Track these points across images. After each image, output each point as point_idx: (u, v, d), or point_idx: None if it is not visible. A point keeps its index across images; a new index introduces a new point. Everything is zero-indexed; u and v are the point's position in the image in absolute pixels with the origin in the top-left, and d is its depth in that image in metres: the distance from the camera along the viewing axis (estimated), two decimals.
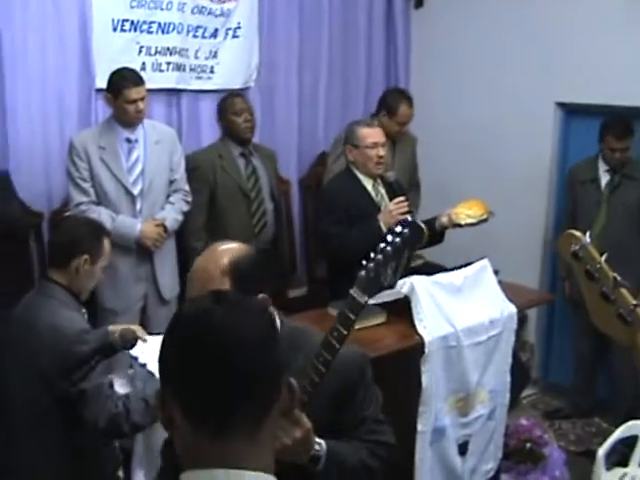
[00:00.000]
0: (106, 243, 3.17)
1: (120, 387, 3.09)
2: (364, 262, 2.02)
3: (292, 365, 1.79)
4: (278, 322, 2.10)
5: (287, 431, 1.84)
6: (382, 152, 4.26)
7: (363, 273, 2.01)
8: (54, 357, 2.84)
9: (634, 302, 1.88)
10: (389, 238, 1.99)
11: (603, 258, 1.93)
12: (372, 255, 2.01)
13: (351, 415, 2.14)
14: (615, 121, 4.75)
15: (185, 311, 1.36)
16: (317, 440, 1.97)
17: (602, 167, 4.86)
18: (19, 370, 2.96)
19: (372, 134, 4.27)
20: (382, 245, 2.00)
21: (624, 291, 1.90)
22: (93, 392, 2.81)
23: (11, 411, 3.01)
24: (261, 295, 2.03)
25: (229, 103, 4.86)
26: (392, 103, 5.25)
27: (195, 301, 1.39)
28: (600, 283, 1.90)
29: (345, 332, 2.01)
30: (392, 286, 1.99)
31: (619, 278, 1.90)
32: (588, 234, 1.98)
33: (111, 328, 3.20)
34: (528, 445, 3.97)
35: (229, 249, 2.13)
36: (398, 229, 1.99)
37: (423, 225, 1.95)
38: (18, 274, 4.49)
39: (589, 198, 4.89)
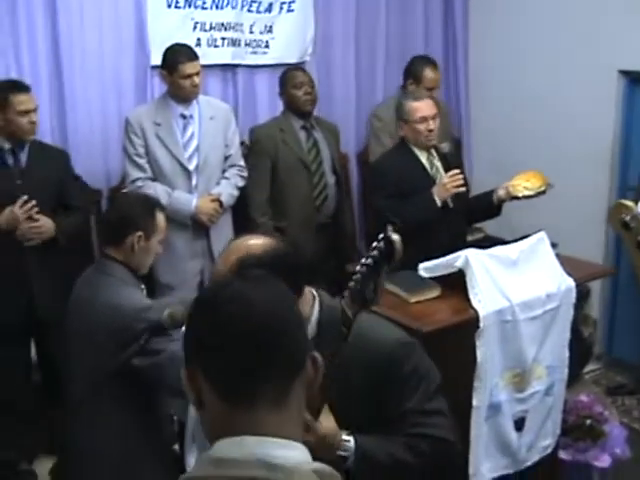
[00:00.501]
0: (160, 217, 3.17)
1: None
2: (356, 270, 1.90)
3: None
4: (317, 306, 2.10)
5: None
6: (432, 125, 4.20)
7: (352, 284, 1.90)
8: (111, 333, 2.86)
9: None
10: (368, 253, 1.89)
11: None
12: (357, 268, 1.90)
13: (389, 409, 2.07)
14: None
15: (206, 289, 1.40)
16: (345, 438, 1.97)
17: None
18: (78, 345, 3.00)
19: (421, 108, 4.20)
20: (362, 261, 1.89)
21: None
22: (170, 358, 2.77)
23: (73, 381, 3.07)
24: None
25: (289, 76, 4.86)
26: (416, 70, 5.24)
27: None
28: None
29: (342, 341, 1.91)
30: (373, 303, 1.90)
31: None
32: None
33: (169, 301, 3.23)
34: (588, 422, 3.88)
35: (244, 246, 2.06)
36: (376, 243, 1.89)
37: (397, 237, 1.86)
38: (79, 251, 4.55)
39: None
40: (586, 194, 5.35)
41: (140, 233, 3.05)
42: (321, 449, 1.85)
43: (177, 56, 4.27)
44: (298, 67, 5.11)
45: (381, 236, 1.87)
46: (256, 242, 2.07)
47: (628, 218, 1.84)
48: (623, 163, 5.34)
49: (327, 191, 4.86)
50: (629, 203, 1.87)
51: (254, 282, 1.37)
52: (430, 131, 4.19)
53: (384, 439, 2.06)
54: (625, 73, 5.24)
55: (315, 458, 1.74)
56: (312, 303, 2.14)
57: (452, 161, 4.39)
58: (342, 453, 1.97)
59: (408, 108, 4.22)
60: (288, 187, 4.77)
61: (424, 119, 4.17)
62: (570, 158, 5.40)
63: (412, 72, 5.26)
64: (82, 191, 4.43)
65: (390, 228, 1.87)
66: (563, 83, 5.50)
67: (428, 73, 5.21)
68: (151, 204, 3.21)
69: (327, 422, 1.92)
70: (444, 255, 3.59)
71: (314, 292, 2.18)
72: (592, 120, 5.32)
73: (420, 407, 2.11)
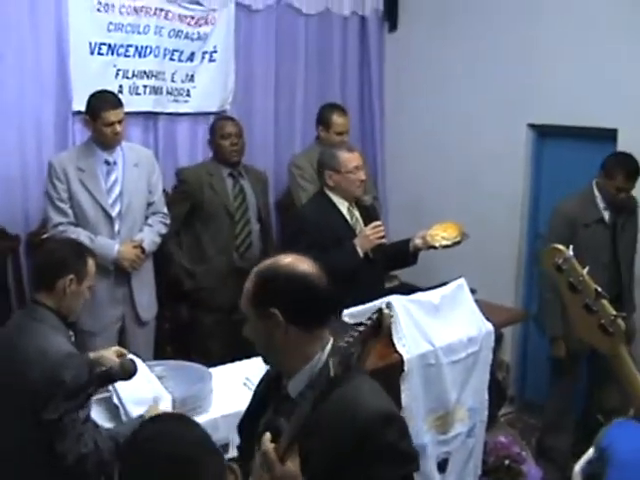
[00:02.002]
0: (90, 263, 3.14)
1: (99, 418, 3.08)
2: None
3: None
4: (324, 355, 2.05)
5: (260, 473, 1.89)
6: (363, 176, 4.28)
7: (343, 344, 1.87)
8: (42, 381, 2.81)
9: (614, 313, 1.94)
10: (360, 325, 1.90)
11: (585, 270, 1.99)
12: (349, 332, 1.88)
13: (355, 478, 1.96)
14: (627, 159, 4.46)
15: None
16: None
17: (600, 204, 4.54)
18: (3, 394, 2.93)
19: (353, 159, 4.26)
20: (355, 328, 1.88)
21: (605, 302, 1.96)
22: (68, 425, 2.76)
23: None
24: (272, 310, 2.02)
25: (218, 126, 4.93)
26: (325, 116, 5.35)
27: None
28: (583, 295, 1.96)
29: (319, 395, 1.85)
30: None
31: (600, 289, 1.96)
32: (571, 248, 2.03)
33: (92, 355, 3.20)
34: (507, 462, 4.00)
35: (279, 261, 2.15)
36: (369, 317, 1.91)
37: (386, 315, 1.90)
38: None
39: (596, 240, 4.50)
40: (498, 241, 5.55)
41: (72, 276, 3.00)
42: None
43: (101, 103, 4.26)
44: (228, 117, 5.17)
45: (373, 315, 1.89)
46: (287, 260, 2.13)
47: (561, 261, 1.95)
48: (533, 211, 5.57)
49: (251, 238, 4.90)
50: (561, 247, 1.98)
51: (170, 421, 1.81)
52: (362, 181, 4.26)
53: None
54: (533, 127, 5.48)
55: None
56: (318, 351, 2.07)
57: (372, 213, 4.47)
58: None
59: (342, 159, 4.24)
60: (209, 232, 4.81)
61: (357, 169, 4.24)
62: (483, 205, 5.60)
63: (321, 119, 5.38)
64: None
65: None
66: (476, 134, 5.73)
67: (336, 119, 5.32)
68: (82, 248, 3.18)
69: (292, 465, 1.88)
70: (365, 302, 3.67)
71: (330, 343, 2.10)
72: (504, 171, 5.55)
73: None
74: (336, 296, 2.15)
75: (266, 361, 2.18)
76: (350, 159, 4.25)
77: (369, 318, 1.87)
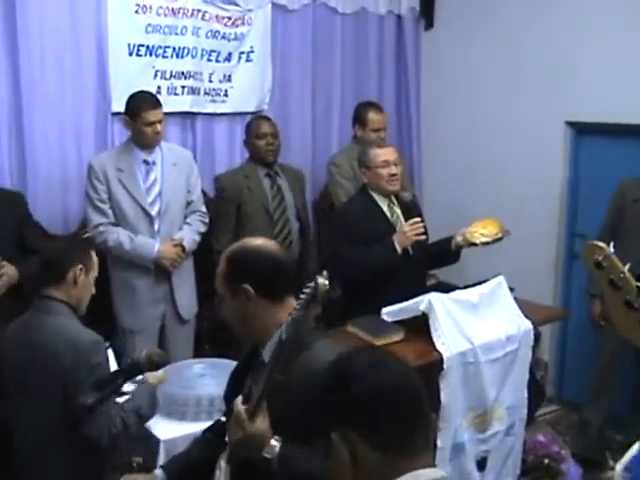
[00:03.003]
0: (93, 254, 3.20)
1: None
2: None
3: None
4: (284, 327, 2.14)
5: (234, 431, 2.13)
6: (395, 170, 4.27)
7: (293, 312, 2.04)
8: (75, 368, 2.87)
9: None
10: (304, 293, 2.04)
11: (627, 267, 1.98)
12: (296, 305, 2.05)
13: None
14: None
15: (343, 360, 1.68)
16: (273, 443, 2.13)
17: None
18: (38, 390, 2.97)
19: (383, 153, 4.29)
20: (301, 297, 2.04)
21: None
22: (102, 410, 2.82)
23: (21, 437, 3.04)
24: (244, 286, 2.26)
25: (254, 126, 4.96)
26: (360, 114, 5.36)
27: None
28: (624, 292, 1.94)
29: (278, 356, 2.05)
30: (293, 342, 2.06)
31: None
32: (612, 245, 2.02)
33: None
34: (546, 461, 3.98)
35: (246, 242, 2.42)
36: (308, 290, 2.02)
37: (322, 281, 1.99)
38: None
39: (637, 216, 4.62)
40: (536, 240, 5.51)
41: (81, 266, 3.07)
42: (248, 447, 2.13)
43: (140, 103, 4.32)
44: (264, 117, 5.20)
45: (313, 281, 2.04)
46: (254, 241, 2.42)
47: (601, 258, 1.94)
48: (571, 210, 5.53)
49: (291, 237, 4.93)
50: (601, 244, 1.97)
51: (386, 356, 1.70)
52: (392, 175, 4.25)
53: (310, 451, 2.10)
54: (571, 124, 5.44)
55: (240, 455, 2.13)
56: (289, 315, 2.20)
57: (413, 209, 4.47)
58: (266, 455, 2.13)
59: (371, 154, 4.29)
60: (251, 233, 4.80)
61: (386, 163, 4.24)
62: (521, 205, 5.56)
63: (357, 117, 5.39)
64: (41, 234, 4.43)
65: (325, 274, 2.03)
66: (514, 132, 5.70)
67: (372, 116, 5.33)
68: (84, 240, 3.26)
69: (261, 424, 2.11)
70: (404, 300, 3.68)
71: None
72: (542, 169, 5.51)
73: None
74: (294, 269, 2.46)
75: (243, 336, 2.42)
76: (379, 154, 4.27)
77: (307, 286, 2.02)
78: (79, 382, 2.83)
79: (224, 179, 4.94)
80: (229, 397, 2.46)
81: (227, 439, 2.25)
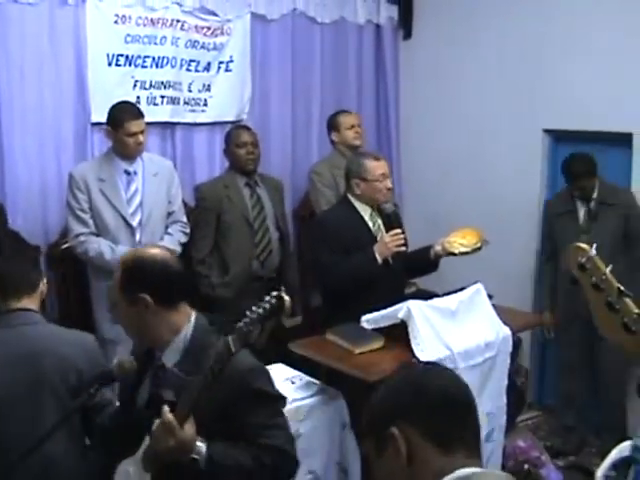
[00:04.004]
0: None
1: None
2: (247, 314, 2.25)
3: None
4: (190, 329, 2.44)
5: (162, 439, 2.22)
6: (390, 184, 4.32)
7: (242, 325, 2.21)
8: (90, 367, 2.88)
9: (637, 311, 1.93)
10: (260, 303, 2.25)
11: (608, 269, 1.99)
12: (247, 313, 2.24)
13: (237, 422, 2.35)
14: (567, 162, 4.82)
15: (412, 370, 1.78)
16: (199, 444, 2.27)
17: (578, 200, 4.89)
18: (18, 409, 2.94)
19: (380, 166, 4.29)
20: (253, 308, 2.24)
21: (628, 300, 1.95)
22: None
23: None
24: (142, 295, 2.35)
25: (234, 135, 4.99)
26: (331, 121, 5.47)
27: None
28: (606, 293, 1.96)
29: (220, 367, 2.21)
30: (256, 346, 2.32)
31: (623, 288, 1.96)
32: (594, 246, 2.04)
33: None
34: (526, 466, 4.01)
35: (133, 251, 2.59)
36: (269, 296, 2.26)
37: (287, 297, 2.21)
38: None
39: (568, 230, 4.87)
40: (515, 247, 5.55)
41: (44, 278, 3.10)
42: (179, 451, 2.24)
43: (123, 114, 4.33)
44: (244, 126, 5.22)
45: (275, 293, 2.25)
46: (149, 250, 2.53)
47: (584, 260, 1.96)
48: None
49: (271, 246, 4.96)
50: (584, 246, 2.00)
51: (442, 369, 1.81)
52: (389, 189, 4.30)
53: (232, 447, 2.34)
54: (549, 132, 5.50)
55: (172, 459, 2.25)
56: (185, 323, 2.44)
57: (394, 220, 4.45)
58: (195, 456, 2.26)
59: (369, 167, 4.26)
60: (231, 243, 4.86)
61: (384, 177, 4.27)
62: (499, 212, 5.60)
63: (330, 125, 5.47)
64: (14, 245, 4.42)
65: (283, 289, 2.24)
66: (492, 140, 5.75)
67: (341, 117, 5.42)
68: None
69: (189, 430, 2.23)
70: (383, 308, 3.70)
71: (193, 316, 2.48)
72: (520, 177, 5.56)
73: (264, 421, 2.40)
74: (189, 276, 2.60)
75: (138, 341, 2.54)
76: (377, 167, 4.28)
77: (267, 301, 2.22)
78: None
79: (204, 188, 4.96)
80: (124, 398, 2.59)
81: (147, 448, 2.35)
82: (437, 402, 1.59)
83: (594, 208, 4.83)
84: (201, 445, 2.28)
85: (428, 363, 1.97)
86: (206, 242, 4.82)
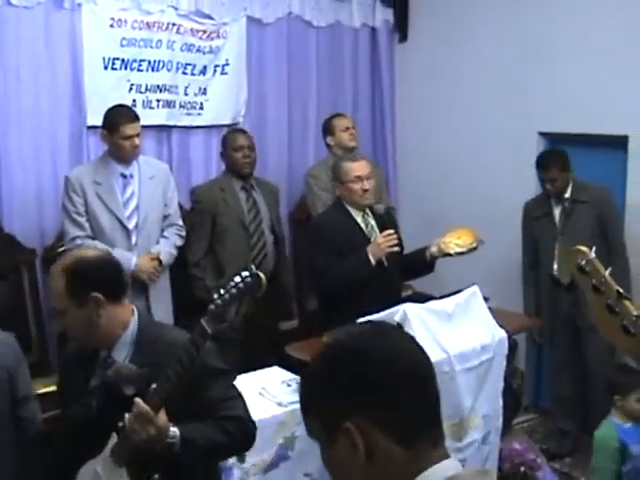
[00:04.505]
0: None
1: None
2: (215, 297, 2.41)
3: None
4: (135, 323, 2.53)
5: (140, 430, 2.29)
6: (367, 185, 4.28)
7: (213, 307, 2.39)
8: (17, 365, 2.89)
9: (636, 313, 1.93)
10: (233, 282, 2.42)
11: (607, 272, 1.99)
12: (220, 292, 2.41)
13: (197, 401, 2.44)
14: (540, 154, 4.97)
15: (346, 341, 1.42)
16: (172, 429, 2.35)
17: (553, 199, 4.96)
18: None
19: (356, 168, 4.30)
20: (227, 287, 2.41)
21: (627, 303, 1.95)
22: None
23: None
24: (92, 294, 2.41)
25: (230, 138, 5.00)
26: (326, 125, 5.48)
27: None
28: (605, 296, 1.95)
29: (195, 353, 2.36)
30: (233, 325, 2.45)
31: (622, 291, 1.95)
32: (594, 249, 2.03)
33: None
34: (522, 469, 4.01)
35: (73, 254, 2.60)
36: (243, 275, 2.43)
37: (262, 275, 2.36)
38: (11, 311, 4.51)
39: (545, 232, 4.98)
40: (512, 249, 5.54)
41: None
42: (158, 439, 2.31)
43: (118, 117, 4.33)
44: (240, 129, 5.23)
45: (246, 273, 2.42)
46: (88, 252, 2.65)
47: (584, 262, 1.96)
48: None
49: (266, 250, 4.96)
50: (584, 248, 2.00)
51: (394, 332, 1.46)
52: (365, 191, 4.27)
53: (201, 425, 2.44)
54: (544, 135, 5.51)
55: (149, 448, 2.31)
56: (130, 317, 2.54)
57: (387, 221, 4.48)
58: (170, 440, 2.34)
59: (344, 169, 4.31)
60: (226, 246, 4.87)
61: (359, 179, 4.26)
62: (495, 214, 5.60)
63: (325, 129, 5.48)
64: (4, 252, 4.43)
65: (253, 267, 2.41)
66: (488, 143, 5.75)
67: (337, 120, 5.43)
68: None
69: (163, 416, 2.32)
70: (379, 311, 3.70)
71: (135, 309, 2.60)
72: (516, 179, 5.56)
73: (223, 394, 2.51)
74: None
75: (88, 343, 2.56)
76: (352, 168, 4.29)
77: (241, 280, 2.40)
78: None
79: (200, 191, 4.96)
80: (70, 395, 2.64)
81: (117, 443, 2.42)
82: (398, 386, 1.32)
83: (568, 207, 4.88)
84: (174, 429, 2.35)
85: (371, 324, 1.54)
86: (201, 245, 4.83)
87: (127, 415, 2.32)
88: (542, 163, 4.90)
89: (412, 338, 1.43)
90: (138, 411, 2.29)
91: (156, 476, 2.37)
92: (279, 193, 5.33)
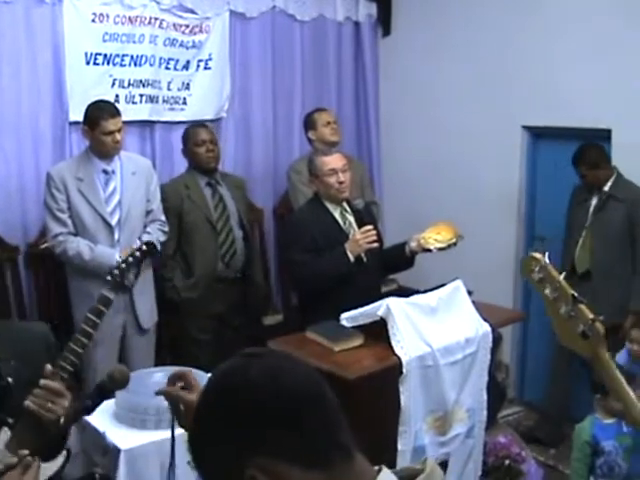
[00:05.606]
0: None
1: None
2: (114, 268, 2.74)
3: None
4: None
5: (57, 404, 2.30)
6: (342, 177, 4.25)
7: (110, 278, 2.68)
8: None
9: (591, 316, 1.90)
10: (130, 252, 2.83)
11: (562, 277, 1.96)
12: (119, 262, 2.77)
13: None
14: (580, 148, 4.88)
15: (222, 375, 1.30)
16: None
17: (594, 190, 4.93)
18: None
19: (329, 161, 4.28)
20: (128, 259, 2.76)
21: (583, 307, 1.91)
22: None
23: None
24: None
25: (191, 134, 4.94)
26: (307, 120, 5.46)
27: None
28: (561, 302, 1.92)
29: (97, 321, 2.58)
30: (133, 286, 3.13)
31: (577, 295, 1.92)
32: (547, 255, 2.01)
33: None
34: (507, 462, 4.01)
35: None
36: (139, 244, 2.88)
37: (158, 243, 2.59)
38: None
39: (577, 220, 4.97)
40: (495, 243, 5.58)
41: None
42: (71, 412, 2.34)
43: (99, 112, 4.29)
44: (201, 124, 5.14)
45: (144, 241, 2.92)
46: None
47: (537, 269, 1.94)
48: (529, 213, 5.61)
49: (235, 246, 4.89)
50: (537, 255, 1.96)
51: (270, 355, 1.31)
52: (340, 183, 4.24)
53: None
54: (528, 128, 5.52)
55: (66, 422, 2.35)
56: None
57: (366, 217, 4.47)
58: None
59: (318, 163, 4.29)
60: (194, 244, 4.81)
61: (333, 171, 4.23)
62: (479, 209, 5.63)
63: (306, 124, 5.47)
64: None
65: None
66: (472, 138, 5.76)
67: (316, 115, 5.41)
68: None
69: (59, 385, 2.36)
70: (360, 306, 3.70)
71: None
72: (500, 173, 5.58)
73: None
74: None
75: None
76: (326, 162, 4.28)
77: (138, 249, 2.82)
78: None
79: (166, 188, 4.84)
80: None
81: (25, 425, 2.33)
82: (295, 414, 1.20)
83: (601, 201, 4.86)
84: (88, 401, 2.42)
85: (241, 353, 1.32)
86: (169, 244, 4.73)
87: (33, 397, 2.28)
88: (573, 159, 4.89)
89: (289, 356, 1.32)
90: (50, 388, 2.30)
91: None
92: (245, 186, 5.27)
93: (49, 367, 2.36)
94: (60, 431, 2.36)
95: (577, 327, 1.90)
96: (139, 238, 4.45)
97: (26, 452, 2.09)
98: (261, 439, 1.18)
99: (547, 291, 1.96)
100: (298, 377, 1.25)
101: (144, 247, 2.83)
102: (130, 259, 2.76)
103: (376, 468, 1.26)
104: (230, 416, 1.21)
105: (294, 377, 1.24)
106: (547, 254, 2.02)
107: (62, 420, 2.32)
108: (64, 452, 2.47)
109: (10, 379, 2.44)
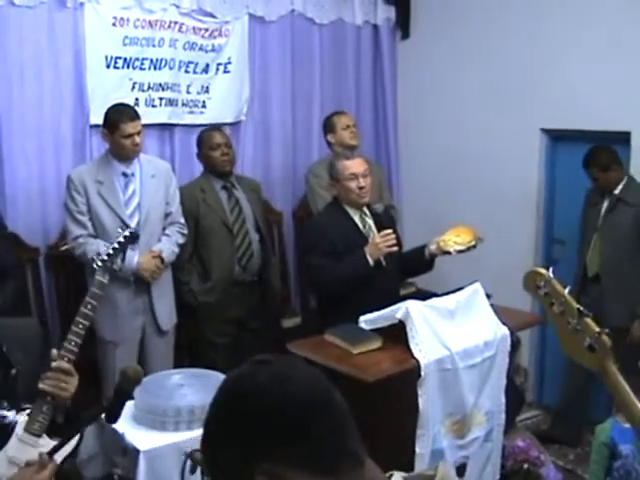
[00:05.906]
0: None
1: None
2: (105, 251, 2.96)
3: None
4: None
5: (69, 382, 2.44)
6: (363, 182, 4.24)
7: (101, 264, 2.85)
8: None
9: (597, 330, 1.89)
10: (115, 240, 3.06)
11: (567, 291, 1.95)
12: (108, 249, 2.98)
13: None
14: (591, 150, 4.89)
15: (234, 382, 1.32)
16: None
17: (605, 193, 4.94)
18: None
19: (351, 166, 4.26)
20: (114, 245, 3.00)
21: (588, 320, 1.90)
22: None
23: None
24: None
25: (206, 137, 4.93)
26: (326, 123, 5.47)
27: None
28: (567, 316, 1.91)
29: (95, 303, 2.72)
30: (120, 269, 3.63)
31: (582, 308, 1.91)
32: (551, 270, 2.00)
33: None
34: (525, 466, 4.00)
35: None
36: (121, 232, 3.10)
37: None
38: (15, 309, 4.51)
39: (590, 222, 4.98)
40: (514, 245, 5.56)
41: None
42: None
43: (119, 116, 4.32)
44: (215, 127, 5.15)
45: (124, 231, 3.09)
46: None
47: (542, 284, 1.93)
48: (548, 215, 5.59)
49: (252, 249, 4.88)
50: (541, 270, 1.95)
51: (278, 361, 1.31)
52: (361, 188, 4.23)
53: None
54: (547, 131, 5.50)
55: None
56: None
57: (385, 221, 4.46)
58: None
59: (339, 167, 4.28)
60: (211, 248, 4.80)
61: (354, 176, 4.22)
62: (498, 210, 5.61)
63: (325, 127, 5.48)
64: (11, 250, 4.43)
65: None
66: (490, 140, 5.74)
67: (337, 118, 5.42)
68: None
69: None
70: (379, 309, 3.70)
71: None
72: (519, 176, 5.57)
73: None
74: None
75: None
76: (347, 166, 4.26)
77: (122, 235, 3.06)
78: None
79: (183, 192, 4.82)
80: None
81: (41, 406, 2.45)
82: (303, 421, 1.20)
83: (611, 203, 4.86)
84: None
85: (253, 363, 1.32)
86: (185, 248, 4.72)
87: (47, 379, 2.41)
88: (584, 162, 4.89)
89: (299, 362, 1.34)
90: (62, 369, 2.43)
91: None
92: (261, 189, 5.26)
93: (55, 351, 2.49)
94: (74, 412, 2.47)
95: (584, 341, 1.89)
96: (159, 240, 4.50)
97: (45, 452, 2.16)
98: (268, 445, 1.20)
99: (553, 306, 1.95)
100: (305, 384, 1.25)
101: (127, 234, 3.07)
102: (116, 245, 3.01)
103: (387, 474, 1.28)
104: (238, 421, 1.23)
105: (301, 384, 1.25)
106: (551, 269, 2.01)
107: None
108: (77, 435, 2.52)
109: (19, 367, 2.52)
